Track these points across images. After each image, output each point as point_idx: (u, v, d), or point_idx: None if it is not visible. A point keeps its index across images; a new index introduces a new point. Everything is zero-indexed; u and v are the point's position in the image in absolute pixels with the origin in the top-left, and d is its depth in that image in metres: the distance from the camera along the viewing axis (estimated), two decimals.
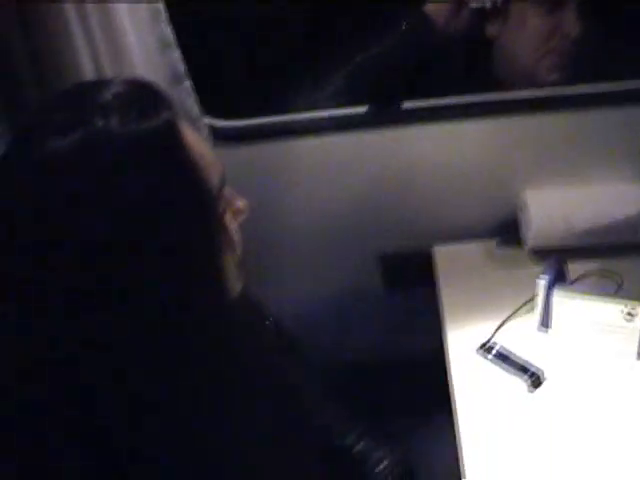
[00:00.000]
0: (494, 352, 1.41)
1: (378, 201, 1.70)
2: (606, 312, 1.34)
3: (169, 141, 0.92)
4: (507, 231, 1.66)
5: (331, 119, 1.65)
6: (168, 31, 1.46)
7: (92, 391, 0.91)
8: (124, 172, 0.87)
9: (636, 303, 1.32)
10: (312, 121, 1.66)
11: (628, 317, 1.33)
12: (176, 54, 1.49)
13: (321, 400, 1.35)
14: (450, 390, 1.37)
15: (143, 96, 0.94)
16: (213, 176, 0.97)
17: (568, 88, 1.61)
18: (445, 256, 1.67)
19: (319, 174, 1.68)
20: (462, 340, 1.44)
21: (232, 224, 1.03)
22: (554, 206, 1.59)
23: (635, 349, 1.35)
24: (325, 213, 1.71)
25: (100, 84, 0.96)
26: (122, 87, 0.94)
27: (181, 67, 1.51)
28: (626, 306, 1.32)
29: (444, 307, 1.53)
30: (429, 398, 1.42)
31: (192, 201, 0.93)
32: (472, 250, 1.67)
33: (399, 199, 1.70)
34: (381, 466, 1.37)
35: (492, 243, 1.67)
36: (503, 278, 1.58)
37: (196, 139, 0.96)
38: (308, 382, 1.34)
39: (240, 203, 1.04)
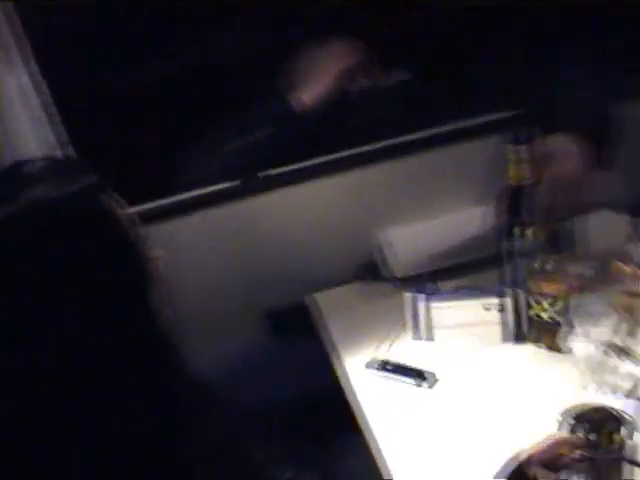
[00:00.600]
0: (381, 366, 1.57)
1: (260, 262, 1.88)
2: (469, 310, 1.54)
3: (90, 202, 1.05)
4: (374, 270, 1.85)
5: (211, 194, 1.84)
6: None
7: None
8: (52, 235, 1.01)
9: (491, 297, 1.53)
10: (196, 198, 1.84)
11: (486, 310, 1.53)
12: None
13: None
14: (354, 408, 1.52)
15: (62, 166, 1.10)
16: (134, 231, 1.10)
17: (406, 136, 1.86)
18: (325, 300, 1.85)
19: (207, 244, 1.86)
20: (352, 363, 1.61)
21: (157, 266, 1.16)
22: (414, 238, 1.80)
23: (499, 337, 1.55)
24: (215, 277, 1.86)
25: (23, 163, 1.09)
26: (43, 162, 1.09)
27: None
28: (484, 301, 1.53)
29: (333, 340, 1.70)
30: (335, 422, 1.56)
31: (120, 254, 1.07)
32: (348, 291, 1.86)
33: (278, 257, 1.89)
34: None
35: (364, 283, 1.87)
36: (378, 307, 1.76)
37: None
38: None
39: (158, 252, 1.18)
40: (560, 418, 1.22)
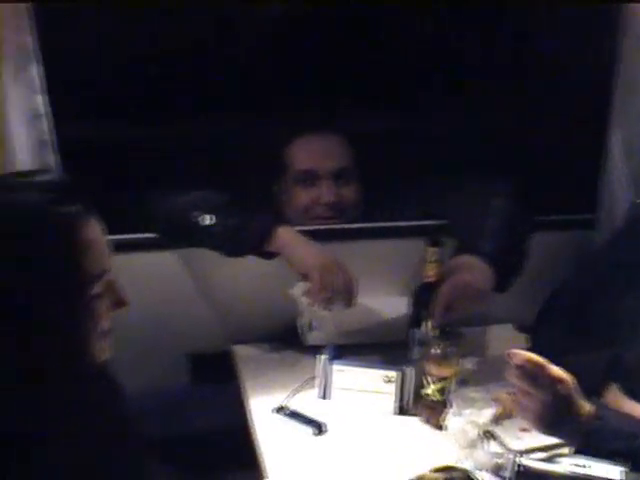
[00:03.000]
0: (286, 412, 1.77)
1: (191, 308, 2.09)
2: (370, 378, 1.78)
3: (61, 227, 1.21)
4: (293, 334, 2.06)
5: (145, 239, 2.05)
6: (54, 158, 1.92)
7: None
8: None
9: (392, 370, 1.76)
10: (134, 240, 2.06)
11: (387, 381, 1.77)
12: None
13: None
14: (254, 444, 1.72)
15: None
16: (91, 264, 1.23)
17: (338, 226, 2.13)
18: (243, 353, 2.06)
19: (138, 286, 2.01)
20: (260, 406, 1.82)
21: (104, 308, 1.27)
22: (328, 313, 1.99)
23: (393, 406, 1.78)
24: (141, 319, 1.98)
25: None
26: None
27: None
28: (385, 372, 1.76)
29: (244, 388, 1.90)
30: (240, 454, 1.75)
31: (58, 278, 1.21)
32: (264, 348, 2.08)
33: (202, 309, 2.11)
34: None
35: (281, 344, 2.08)
36: (290, 366, 1.98)
37: (90, 234, 1.24)
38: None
39: (123, 297, 1.31)
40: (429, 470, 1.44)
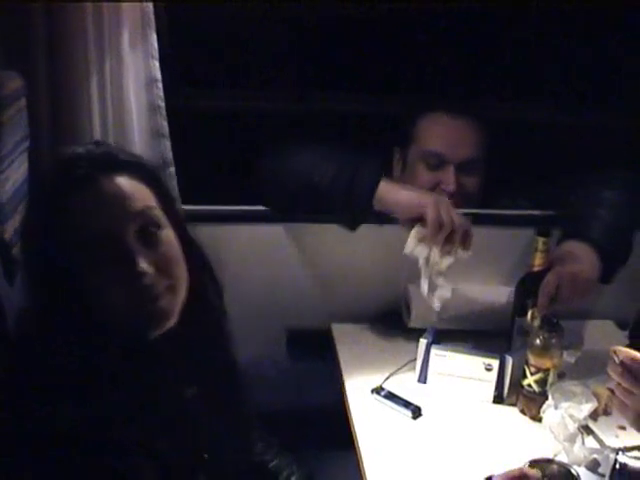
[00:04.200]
0: (383, 393, 1.80)
1: (293, 284, 2.12)
2: (470, 364, 1.79)
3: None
4: (393, 316, 2.08)
5: (255, 212, 2.08)
6: (164, 123, 1.92)
7: None
8: None
9: (493, 358, 1.77)
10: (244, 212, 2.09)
11: (487, 369, 1.77)
12: (167, 143, 1.95)
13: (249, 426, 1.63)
14: (350, 424, 1.75)
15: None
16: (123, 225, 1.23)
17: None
18: (342, 332, 2.08)
19: (244, 257, 2.09)
20: (357, 387, 1.85)
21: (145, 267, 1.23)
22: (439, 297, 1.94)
23: (492, 394, 1.79)
24: (243, 292, 2.04)
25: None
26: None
27: (169, 155, 1.96)
28: (485, 360, 1.77)
29: (342, 368, 1.93)
30: (333, 433, 1.78)
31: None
32: (365, 329, 2.10)
33: (305, 285, 2.13)
34: (292, 478, 1.71)
35: (380, 325, 2.10)
36: (389, 347, 2.01)
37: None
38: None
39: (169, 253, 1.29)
40: (528, 462, 1.45)
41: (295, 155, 2.00)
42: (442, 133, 2.15)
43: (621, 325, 2.12)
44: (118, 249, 1.22)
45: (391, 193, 1.86)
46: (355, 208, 1.90)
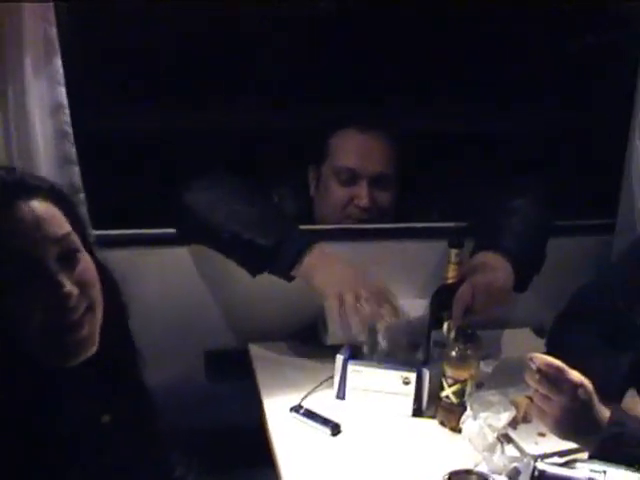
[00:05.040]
0: (302, 411, 1.77)
1: (209, 304, 2.09)
2: (388, 378, 1.78)
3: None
4: (310, 333, 2.07)
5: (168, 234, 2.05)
6: (72, 150, 1.89)
7: None
8: None
9: (410, 371, 1.76)
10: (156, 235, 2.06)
11: (405, 382, 1.76)
12: (75, 169, 1.91)
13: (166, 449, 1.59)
14: (270, 443, 1.72)
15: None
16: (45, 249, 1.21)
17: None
18: (259, 352, 2.06)
19: (158, 280, 2.05)
20: (278, 406, 1.82)
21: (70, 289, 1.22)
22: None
23: (411, 408, 1.78)
24: (159, 315, 2.03)
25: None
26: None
27: (78, 181, 1.92)
28: (403, 374, 1.76)
29: (260, 387, 1.91)
30: (254, 452, 1.76)
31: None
32: (282, 347, 2.08)
33: (221, 306, 2.11)
34: None
35: (298, 343, 2.08)
36: (307, 365, 1.98)
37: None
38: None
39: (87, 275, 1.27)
40: (446, 476, 1.44)
41: (222, 202, 1.96)
42: (353, 148, 2.15)
43: (538, 332, 2.15)
44: (41, 272, 1.21)
45: (309, 273, 1.84)
46: (272, 271, 1.89)
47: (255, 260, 1.89)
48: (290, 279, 1.87)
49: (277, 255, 1.84)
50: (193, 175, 2.02)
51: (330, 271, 1.83)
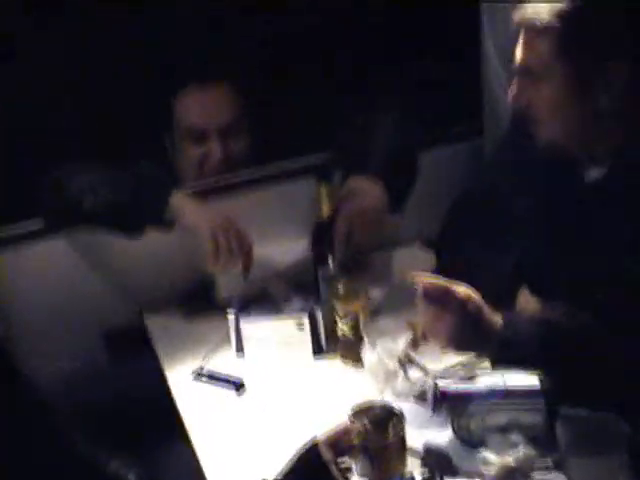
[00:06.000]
0: (204, 374, 1.76)
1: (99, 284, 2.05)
2: (282, 326, 1.77)
3: None
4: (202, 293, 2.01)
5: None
6: None
7: None
8: None
9: (302, 315, 1.74)
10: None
11: (299, 326, 1.74)
12: None
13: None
14: (177, 411, 1.70)
15: None
16: None
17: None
18: (156, 323, 2.01)
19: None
20: (180, 374, 1.80)
21: None
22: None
23: (310, 351, 1.76)
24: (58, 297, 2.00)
25: None
26: None
27: None
28: (295, 319, 1.74)
29: (161, 357, 1.89)
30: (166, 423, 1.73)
31: None
32: (177, 315, 2.03)
33: (110, 286, 2.06)
34: None
35: (192, 306, 2.03)
36: (204, 327, 1.95)
37: None
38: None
39: None
40: (350, 413, 1.43)
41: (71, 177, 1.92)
42: (195, 105, 2.10)
43: (427, 244, 2.12)
44: None
45: (181, 210, 1.83)
46: (147, 221, 1.85)
47: (129, 217, 1.85)
48: (169, 226, 1.84)
49: (144, 203, 1.83)
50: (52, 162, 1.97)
51: (202, 208, 1.84)
